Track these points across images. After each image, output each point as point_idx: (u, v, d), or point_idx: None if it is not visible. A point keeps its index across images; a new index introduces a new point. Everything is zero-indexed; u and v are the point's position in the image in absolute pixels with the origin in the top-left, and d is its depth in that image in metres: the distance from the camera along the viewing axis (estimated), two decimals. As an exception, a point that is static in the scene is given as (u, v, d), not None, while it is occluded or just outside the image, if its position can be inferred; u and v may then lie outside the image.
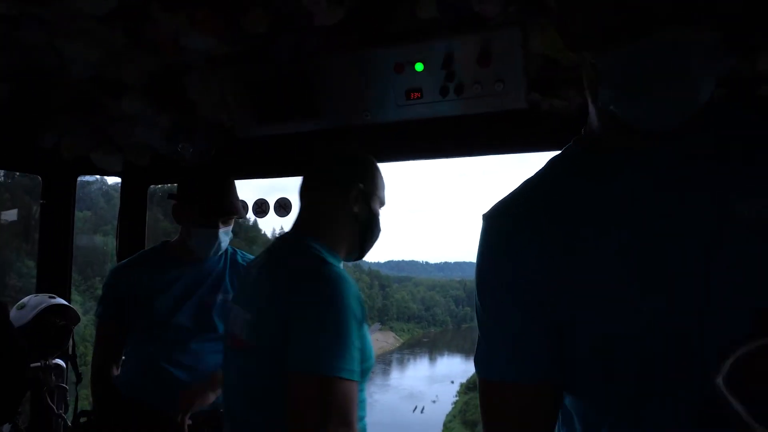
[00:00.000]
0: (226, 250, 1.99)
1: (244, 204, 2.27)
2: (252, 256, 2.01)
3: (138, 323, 1.87)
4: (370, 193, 1.41)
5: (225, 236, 1.89)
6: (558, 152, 0.87)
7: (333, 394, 1.11)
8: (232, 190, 1.90)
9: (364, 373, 1.23)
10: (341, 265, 1.33)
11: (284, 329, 1.15)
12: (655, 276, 0.68)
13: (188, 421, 1.74)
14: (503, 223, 0.81)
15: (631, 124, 0.69)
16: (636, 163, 0.72)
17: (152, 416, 1.76)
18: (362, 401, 1.26)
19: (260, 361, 1.20)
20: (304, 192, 1.43)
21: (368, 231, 1.41)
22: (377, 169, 1.48)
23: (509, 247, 0.79)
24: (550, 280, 0.74)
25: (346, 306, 1.15)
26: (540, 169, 0.85)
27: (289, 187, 2.47)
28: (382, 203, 1.46)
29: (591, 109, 0.79)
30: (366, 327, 1.23)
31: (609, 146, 0.76)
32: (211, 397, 1.80)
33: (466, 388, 44.39)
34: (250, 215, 2.25)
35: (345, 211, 1.37)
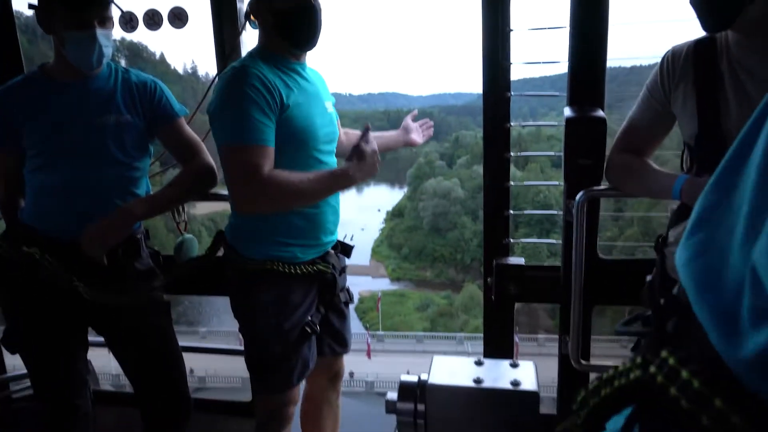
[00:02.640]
0: (117, 69, 1.79)
1: (133, 15, 2.01)
2: (147, 75, 1.84)
3: (29, 151, 1.73)
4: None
5: (105, 39, 1.67)
6: None
7: (230, 159, 1.55)
8: None
9: (303, 145, 1.62)
10: (258, 61, 1.57)
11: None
12: None
13: (104, 261, 1.70)
14: None
15: None
16: None
17: (66, 250, 1.70)
18: (323, 164, 1.68)
19: None
20: None
21: (284, 28, 1.59)
22: None
23: None
24: None
25: (232, 91, 1.52)
26: None
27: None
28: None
29: None
30: (293, 107, 1.57)
31: None
32: (124, 230, 1.74)
33: (392, 215, 47.03)
34: (142, 29, 2.01)
35: (258, 19, 1.63)
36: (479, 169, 2.11)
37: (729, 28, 1.31)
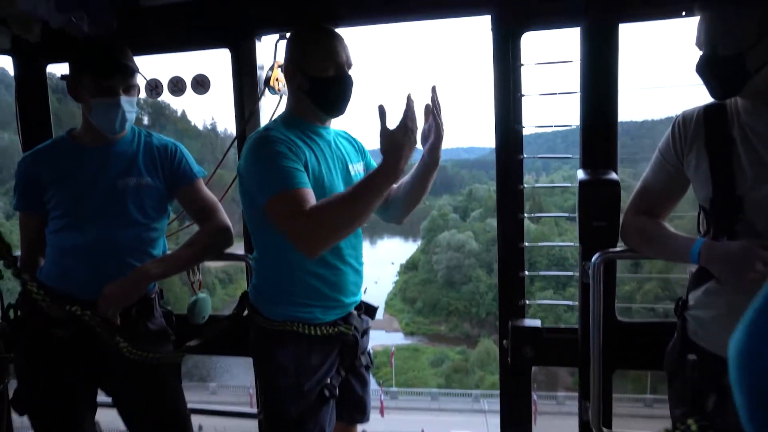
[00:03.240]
0: (140, 133, 1.86)
1: (158, 83, 2.10)
2: (169, 139, 1.91)
3: (52, 212, 1.78)
4: (297, 64, 1.63)
5: (129, 106, 1.75)
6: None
7: (275, 210, 1.52)
8: (125, 50, 1.74)
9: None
10: (281, 127, 1.61)
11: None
12: None
13: (117, 321, 1.71)
14: None
15: None
16: None
17: (80, 307, 1.70)
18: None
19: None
20: None
21: (317, 95, 1.63)
22: (304, 36, 1.65)
23: None
24: None
25: (260, 152, 1.56)
26: None
27: (207, 61, 2.30)
28: (323, 66, 1.60)
29: None
30: (312, 171, 1.59)
31: None
32: (139, 290, 1.75)
33: (405, 268, 46.79)
34: (166, 95, 2.09)
35: (291, 84, 1.67)
36: (493, 222, 2.11)
37: (737, 95, 1.34)
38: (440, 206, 48.32)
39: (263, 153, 1.56)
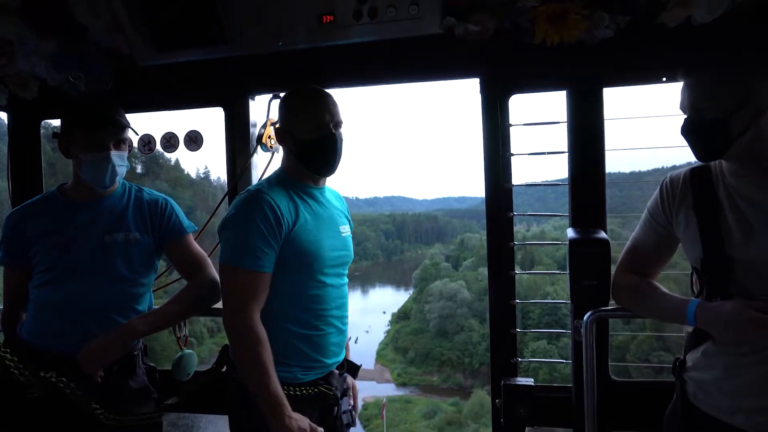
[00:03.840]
0: (131, 187, 1.87)
1: (151, 138, 2.13)
2: (160, 194, 1.91)
3: (37, 267, 1.75)
4: (286, 127, 1.68)
5: (119, 160, 1.75)
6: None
7: (228, 279, 1.58)
8: (116, 106, 1.75)
9: (308, 268, 1.62)
10: (274, 187, 1.64)
11: None
12: None
13: (100, 373, 1.67)
14: None
15: None
16: None
17: (60, 364, 1.67)
18: (324, 295, 1.66)
19: None
20: None
21: (305, 157, 1.67)
22: (291, 101, 1.69)
23: None
24: None
25: (242, 214, 1.58)
26: None
27: (200, 119, 2.34)
28: (309, 128, 1.64)
29: None
30: (300, 231, 1.61)
31: None
32: (123, 347, 1.72)
33: (397, 317, 46.21)
34: (159, 149, 2.11)
35: (283, 147, 1.73)
36: (485, 271, 2.12)
37: (721, 158, 1.37)
38: (432, 255, 48.28)
39: (243, 215, 1.59)
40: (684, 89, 1.35)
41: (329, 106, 1.68)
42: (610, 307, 1.71)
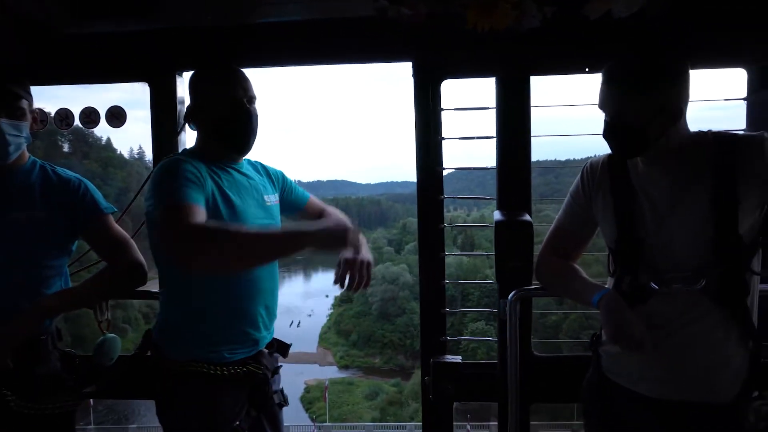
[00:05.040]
0: (42, 165, 1.74)
1: (69, 112, 2.01)
2: (74, 173, 1.79)
3: None
4: (198, 106, 1.65)
5: (13, 129, 1.61)
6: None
7: (163, 221, 1.44)
8: (11, 74, 1.63)
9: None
10: (190, 159, 1.56)
11: None
12: None
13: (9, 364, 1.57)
14: None
15: None
16: None
17: None
18: None
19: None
20: None
21: (221, 134, 1.63)
22: (201, 79, 1.67)
23: None
24: None
25: (165, 178, 1.48)
26: None
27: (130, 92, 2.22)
28: (223, 106, 1.61)
29: None
30: (221, 199, 1.56)
31: None
32: (30, 328, 1.62)
33: (340, 301, 46.28)
34: (77, 124, 2.00)
35: (196, 125, 1.68)
36: (426, 254, 2.12)
37: (638, 156, 1.46)
38: (375, 239, 48.54)
39: (166, 173, 1.51)
40: (603, 91, 1.42)
41: (241, 81, 1.64)
42: (533, 287, 1.78)
